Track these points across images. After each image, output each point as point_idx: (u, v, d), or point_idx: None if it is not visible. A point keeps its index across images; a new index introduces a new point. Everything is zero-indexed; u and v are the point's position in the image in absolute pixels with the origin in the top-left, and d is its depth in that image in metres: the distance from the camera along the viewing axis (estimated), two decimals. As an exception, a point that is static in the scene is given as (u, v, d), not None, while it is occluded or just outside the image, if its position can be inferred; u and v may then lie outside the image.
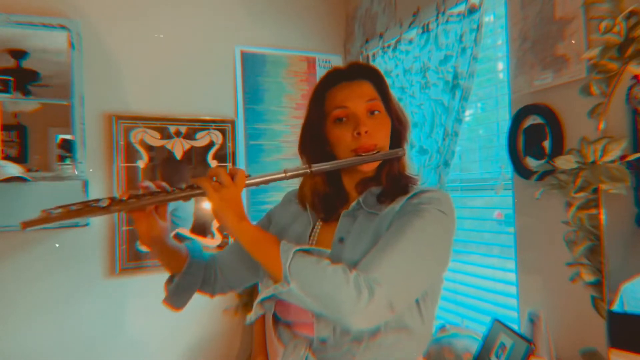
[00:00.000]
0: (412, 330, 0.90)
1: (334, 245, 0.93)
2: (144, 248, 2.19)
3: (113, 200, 0.88)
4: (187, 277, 1.07)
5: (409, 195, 0.93)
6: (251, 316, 0.91)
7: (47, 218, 0.85)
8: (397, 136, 1.01)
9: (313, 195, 1.02)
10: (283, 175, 0.91)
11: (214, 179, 0.88)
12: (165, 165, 2.27)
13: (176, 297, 1.07)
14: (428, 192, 0.92)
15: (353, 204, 0.97)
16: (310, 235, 1.00)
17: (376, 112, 0.96)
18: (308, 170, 0.92)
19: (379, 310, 0.79)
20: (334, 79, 1.00)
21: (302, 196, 1.05)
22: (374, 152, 0.94)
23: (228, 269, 1.14)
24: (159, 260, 1.07)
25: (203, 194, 0.88)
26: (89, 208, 0.87)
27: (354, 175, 1.00)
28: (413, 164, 1.03)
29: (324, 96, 0.99)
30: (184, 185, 0.91)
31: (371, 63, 2.36)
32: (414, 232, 0.85)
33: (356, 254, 0.87)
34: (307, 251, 0.85)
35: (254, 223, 1.17)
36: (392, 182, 0.97)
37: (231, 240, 1.63)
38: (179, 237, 1.12)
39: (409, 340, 0.90)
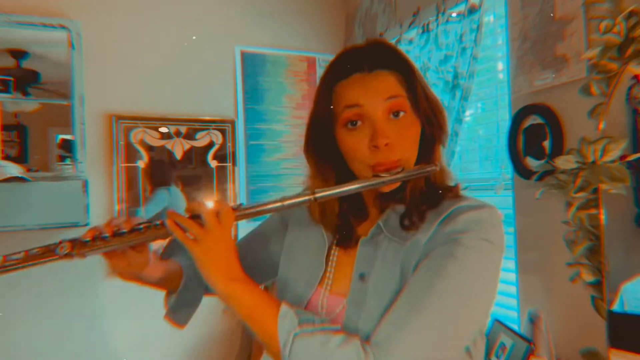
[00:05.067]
0: None
1: (354, 284, 0.76)
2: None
3: (74, 244, 0.75)
4: (186, 294, 0.92)
5: (441, 218, 0.72)
6: None
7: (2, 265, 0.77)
8: (430, 141, 0.79)
9: (326, 210, 0.84)
10: (280, 205, 0.75)
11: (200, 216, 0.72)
12: (165, 165, 2.27)
13: (177, 313, 0.93)
14: (466, 212, 0.71)
15: (372, 228, 0.78)
16: (326, 263, 0.83)
17: (401, 114, 0.74)
18: (311, 198, 0.74)
19: None
20: (346, 66, 0.77)
21: (312, 212, 0.85)
22: (397, 170, 0.73)
23: None
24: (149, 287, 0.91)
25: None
26: (48, 254, 0.75)
27: (372, 189, 0.78)
28: (450, 171, 0.81)
29: (331, 90, 0.78)
30: (159, 222, 0.76)
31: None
32: (446, 283, 0.66)
33: (383, 301, 0.71)
34: (312, 324, 0.69)
35: (263, 221, 1.00)
36: (419, 201, 0.77)
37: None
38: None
39: None
